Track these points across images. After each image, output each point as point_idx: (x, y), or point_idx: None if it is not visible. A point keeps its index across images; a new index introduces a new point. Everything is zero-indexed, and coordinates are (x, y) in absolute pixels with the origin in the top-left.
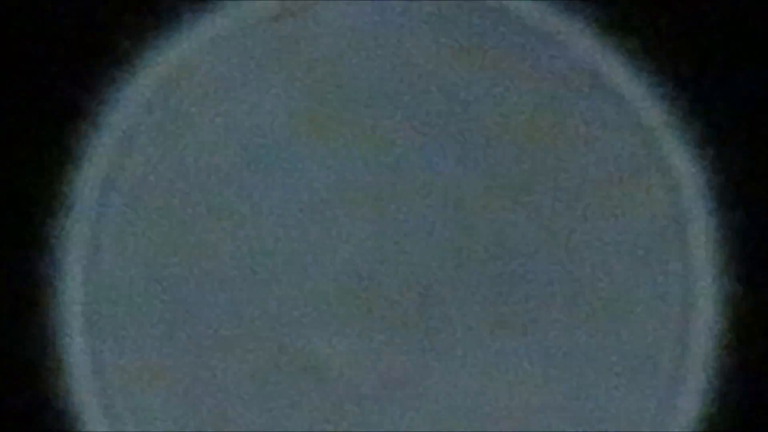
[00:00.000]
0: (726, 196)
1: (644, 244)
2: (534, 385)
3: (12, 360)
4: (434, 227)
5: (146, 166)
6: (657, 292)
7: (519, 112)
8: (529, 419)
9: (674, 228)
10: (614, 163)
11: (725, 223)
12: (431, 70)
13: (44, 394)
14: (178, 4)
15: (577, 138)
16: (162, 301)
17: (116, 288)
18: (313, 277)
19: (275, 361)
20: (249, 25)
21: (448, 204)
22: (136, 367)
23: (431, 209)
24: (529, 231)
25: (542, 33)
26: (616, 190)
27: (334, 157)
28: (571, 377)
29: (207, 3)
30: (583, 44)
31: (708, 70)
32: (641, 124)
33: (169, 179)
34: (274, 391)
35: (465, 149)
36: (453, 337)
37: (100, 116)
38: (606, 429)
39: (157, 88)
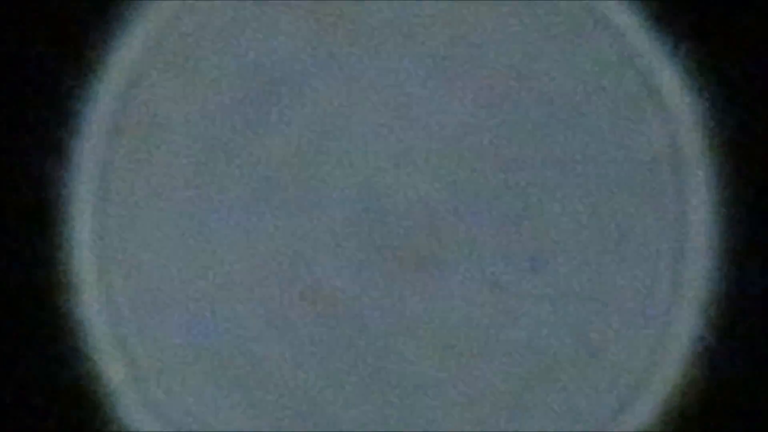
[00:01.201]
0: (723, 133)
1: (642, 179)
2: (537, 317)
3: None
4: (443, 158)
5: (154, 103)
6: (653, 225)
7: (521, 45)
8: (532, 350)
9: (671, 164)
10: (613, 100)
11: (721, 160)
12: None
13: (56, 320)
14: None
15: (577, 75)
16: (173, 235)
17: (127, 223)
18: (322, 208)
19: (286, 291)
20: None
21: (458, 135)
22: (146, 296)
23: (441, 140)
24: (533, 165)
25: None
26: (616, 127)
27: (339, 86)
28: (572, 310)
29: None
30: None
31: (709, 6)
32: (640, 62)
33: (177, 114)
34: (285, 322)
35: (474, 79)
36: (460, 269)
37: (107, 56)
38: (605, 359)
39: (164, 24)
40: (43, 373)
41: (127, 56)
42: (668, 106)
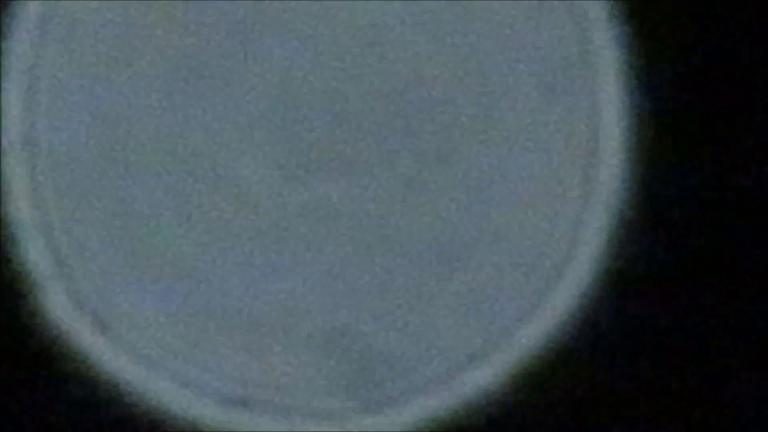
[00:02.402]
0: (632, 28)
1: (552, 76)
2: (446, 209)
3: None
4: (357, 56)
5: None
6: (564, 121)
7: None
8: (441, 243)
9: (581, 60)
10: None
11: (631, 54)
12: None
13: None
14: None
15: None
16: (96, 130)
17: (55, 119)
18: (236, 102)
19: (197, 183)
20: None
21: (366, 30)
22: (74, 194)
23: (349, 36)
24: (442, 60)
25: None
26: (526, 24)
27: None
28: (481, 204)
29: None
30: None
31: None
32: None
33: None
34: (201, 216)
35: None
36: (369, 162)
37: None
38: (516, 248)
39: None
40: None
41: None
42: (579, 8)
